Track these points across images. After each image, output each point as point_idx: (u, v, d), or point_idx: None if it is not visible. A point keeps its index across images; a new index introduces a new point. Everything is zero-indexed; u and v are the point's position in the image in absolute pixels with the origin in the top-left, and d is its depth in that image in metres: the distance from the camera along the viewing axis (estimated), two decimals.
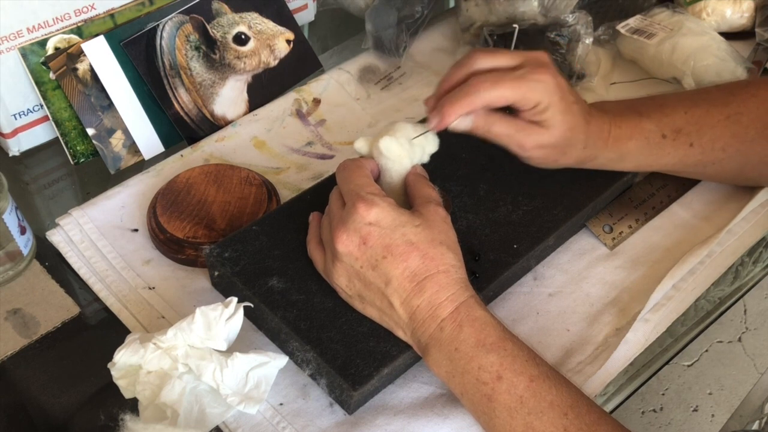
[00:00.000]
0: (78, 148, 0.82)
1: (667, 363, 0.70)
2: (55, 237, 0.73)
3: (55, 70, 0.78)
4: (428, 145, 0.65)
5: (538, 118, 0.63)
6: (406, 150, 0.64)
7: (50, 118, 0.80)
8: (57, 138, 0.82)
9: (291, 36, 0.89)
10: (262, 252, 0.66)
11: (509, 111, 0.65)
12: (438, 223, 0.59)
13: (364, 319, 0.62)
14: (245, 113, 0.87)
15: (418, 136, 0.64)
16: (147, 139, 0.82)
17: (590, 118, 0.66)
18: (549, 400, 0.54)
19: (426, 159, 0.66)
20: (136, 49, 0.81)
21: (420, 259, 0.57)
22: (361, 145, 0.65)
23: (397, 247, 0.57)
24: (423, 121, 0.64)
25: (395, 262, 0.57)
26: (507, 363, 0.55)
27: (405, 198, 0.64)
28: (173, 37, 0.83)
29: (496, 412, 0.55)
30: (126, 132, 0.82)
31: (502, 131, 0.63)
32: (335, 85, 0.91)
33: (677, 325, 0.70)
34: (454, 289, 0.58)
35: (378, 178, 0.64)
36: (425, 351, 0.58)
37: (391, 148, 0.63)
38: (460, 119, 0.62)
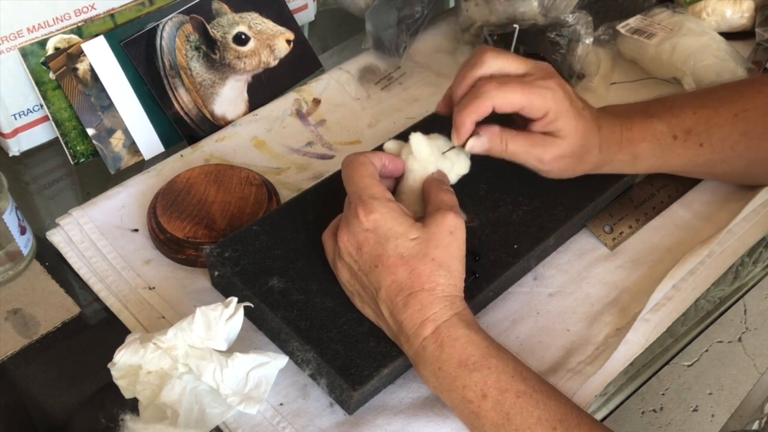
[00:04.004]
0: (78, 148, 0.82)
1: (667, 363, 0.70)
2: (55, 237, 0.73)
3: (55, 70, 0.78)
4: (458, 164, 0.65)
5: (551, 128, 0.62)
6: (435, 156, 0.63)
7: (50, 118, 0.80)
8: (57, 138, 0.81)
9: (291, 36, 0.89)
10: (262, 252, 0.66)
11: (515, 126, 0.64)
12: (439, 236, 0.58)
13: (364, 319, 0.62)
14: (245, 113, 0.87)
15: (448, 150, 0.63)
16: (147, 139, 0.82)
17: (601, 122, 0.66)
18: (537, 415, 0.54)
19: (453, 179, 0.65)
20: (136, 49, 0.81)
21: (407, 274, 0.57)
22: (391, 146, 0.65)
23: (388, 259, 0.57)
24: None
25: (385, 273, 0.57)
26: (491, 381, 0.55)
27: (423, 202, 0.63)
28: (173, 37, 0.83)
29: (485, 428, 0.55)
30: (126, 132, 0.82)
31: (519, 148, 0.62)
32: (335, 85, 0.91)
33: (677, 325, 0.70)
34: (437, 307, 0.57)
35: (402, 179, 0.64)
36: (413, 364, 0.59)
37: (421, 147, 0.63)
38: (475, 139, 0.61)
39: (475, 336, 0.56)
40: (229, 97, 0.86)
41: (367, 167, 0.60)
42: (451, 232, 0.58)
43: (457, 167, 0.65)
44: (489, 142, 0.62)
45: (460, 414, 0.57)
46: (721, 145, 0.70)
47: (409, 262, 0.57)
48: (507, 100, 0.60)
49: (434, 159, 0.63)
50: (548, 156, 0.63)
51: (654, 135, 0.68)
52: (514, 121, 0.66)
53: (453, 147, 0.64)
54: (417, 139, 0.63)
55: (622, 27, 0.93)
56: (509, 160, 0.64)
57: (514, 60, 0.62)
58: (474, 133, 0.62)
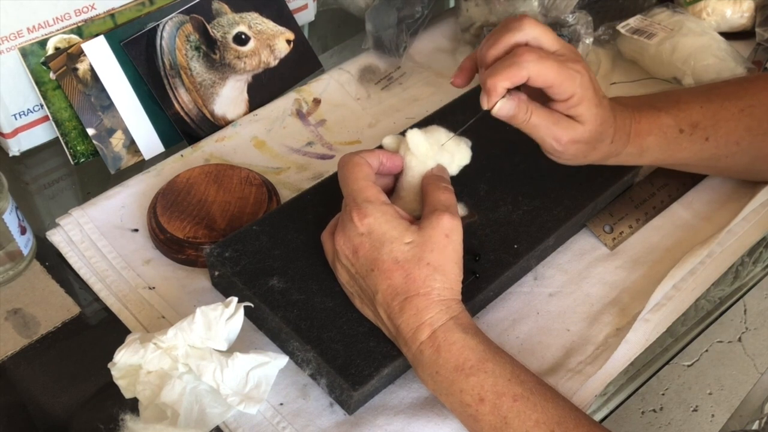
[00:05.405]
0: (78, 148, 0.82)
1: (667, 363, 0.70)
2: (55, 237, 0.73)
3: (55, 70, 0.78)
4: (458, 155, 0.64)
5: (572, 112, 0.61)
6: (434, 151, 0.63)
7: (50, 118, 0.80)
8: (57, 138, 0.82)
9: (291, 36, 0.89)
10: (263, 252, 0.66)
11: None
12: (434, 239, 0.57)
13: (364, 319, 0.62)
14: (245, 113, 0.87)
15: (448, 140, 0.63)
16: (147, 139, 0.82)
17: (615, 113, 0.65)
18: (534, 418, 0.54)
19: (455, 170, 0.65)
20: (136, 49, 0.81)
21: (403, 279, 0.57)
22: (389, 142, 0.64)
23: (383, 263, 0.57)
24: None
25: (381, 277, 0.57)
26: (488, 385, 0.55)
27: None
28: (173, 37, 0.83)
29: (484, 431, 0.55)
30: (126, 132, 0.82)
31: (541, 122, 0.61)
32: (335, 85, 0.91)
33: (677, 325, 0.70)
34: (433, 312, 0.56)
35: (401, 176, 0.64)
36: (412, 366, 0.59)
37: (419, 143, 0.62)
38: (505, 102, 0.59)
39: (472, 340, 0.56)
40: (229, 97, 0.86)
41: (362, 168, 0.60)
42: (446, 234, 0.58)
43: (457, 158, 0.64)
44: (517, 107, 0.60)
45: (458, 417, 0.57)
46: (726, 140, 0.70)
47: (404, 267, 0.57)
48: (542, 74, 0.58)
49: (433, 153, 0.63)
50: (566, 138, 0.62)
51: (661, 128, 0.68)
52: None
53: (452, 137, 0.63)
54: (414, 135, 0.62)
55: (622, 27, 0.93)
56: (526, 132, 0.62)
57: (550, 34, 0.61)
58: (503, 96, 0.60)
